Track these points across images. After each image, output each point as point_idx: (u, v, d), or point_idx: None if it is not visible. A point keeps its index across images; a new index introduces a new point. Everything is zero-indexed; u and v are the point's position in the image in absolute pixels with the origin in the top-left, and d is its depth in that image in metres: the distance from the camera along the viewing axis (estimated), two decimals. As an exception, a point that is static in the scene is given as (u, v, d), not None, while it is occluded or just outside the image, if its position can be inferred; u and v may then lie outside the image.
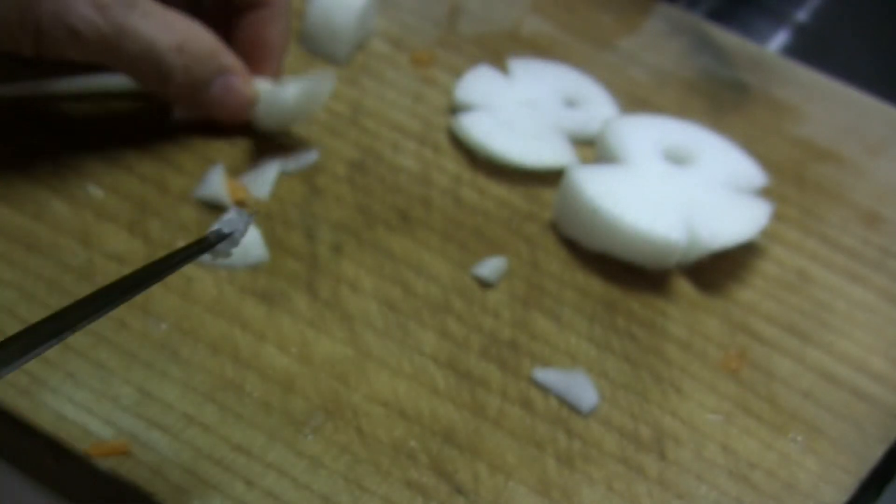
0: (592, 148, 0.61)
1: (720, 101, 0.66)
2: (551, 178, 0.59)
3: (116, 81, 0.57)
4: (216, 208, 0.55)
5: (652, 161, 0.58)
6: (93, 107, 0.59)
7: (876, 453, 0.50)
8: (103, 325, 0.49)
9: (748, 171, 0.59)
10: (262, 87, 0.57)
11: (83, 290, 0.50)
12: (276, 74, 0.59)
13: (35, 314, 0.49)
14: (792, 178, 0.62)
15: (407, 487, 0.46)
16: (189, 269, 0.52)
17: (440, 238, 0.56)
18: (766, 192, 0.59)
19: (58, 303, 0.50)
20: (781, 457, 0.49)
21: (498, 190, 0.59)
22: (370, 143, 0.60)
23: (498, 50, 0.66)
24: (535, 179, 0.59)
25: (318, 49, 0.64)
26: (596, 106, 0.63)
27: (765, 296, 0.56)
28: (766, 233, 0.58)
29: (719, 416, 0.50)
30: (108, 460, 0.45)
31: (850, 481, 0.49)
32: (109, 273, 0.51)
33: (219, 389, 0.48)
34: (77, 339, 0.49)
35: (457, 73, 0.64)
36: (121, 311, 0.49)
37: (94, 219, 0.54)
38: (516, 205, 0.58)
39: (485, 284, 0.54)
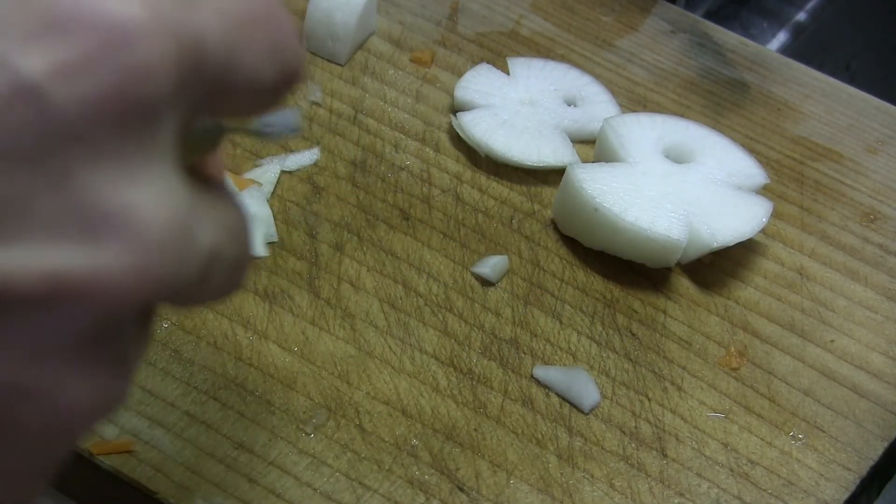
0: (592, 147, 0.61)
1: (720, 99, 0.66)
2: (552, 176, 0.59)
3: None
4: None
5: (652, 159, 0.58)
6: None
7: (876, 450, 0.50)
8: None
9: (748, 169, 0.59)
10: None
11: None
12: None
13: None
14: (791, 177, 0.62)
15: (409, 485, 0.46)
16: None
17: (441, 237, 0.56)
18: (765, 191, 0.59)
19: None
20: (782, 454, 0.49)
21: (498, 189, 0.59)
22: (371, 142, 0.60)
23: (498, 49, 0.67)
24: (536, 178, 0.59)
25: (318, 49, 0.64)
26: (596, 105, 0.63)
27: (765, 294, 0.56)
28: (766, 231, 0.58)
29: (720, 414, 0.51)
30: (110, 459, 0.45)
31: (850, 478, 0.49)
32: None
33: (221, 388, 0.48)
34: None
35: (457, 72, 0.64)
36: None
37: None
38: (517, 203, 0.58)
39: (486, 283, 0.54)
